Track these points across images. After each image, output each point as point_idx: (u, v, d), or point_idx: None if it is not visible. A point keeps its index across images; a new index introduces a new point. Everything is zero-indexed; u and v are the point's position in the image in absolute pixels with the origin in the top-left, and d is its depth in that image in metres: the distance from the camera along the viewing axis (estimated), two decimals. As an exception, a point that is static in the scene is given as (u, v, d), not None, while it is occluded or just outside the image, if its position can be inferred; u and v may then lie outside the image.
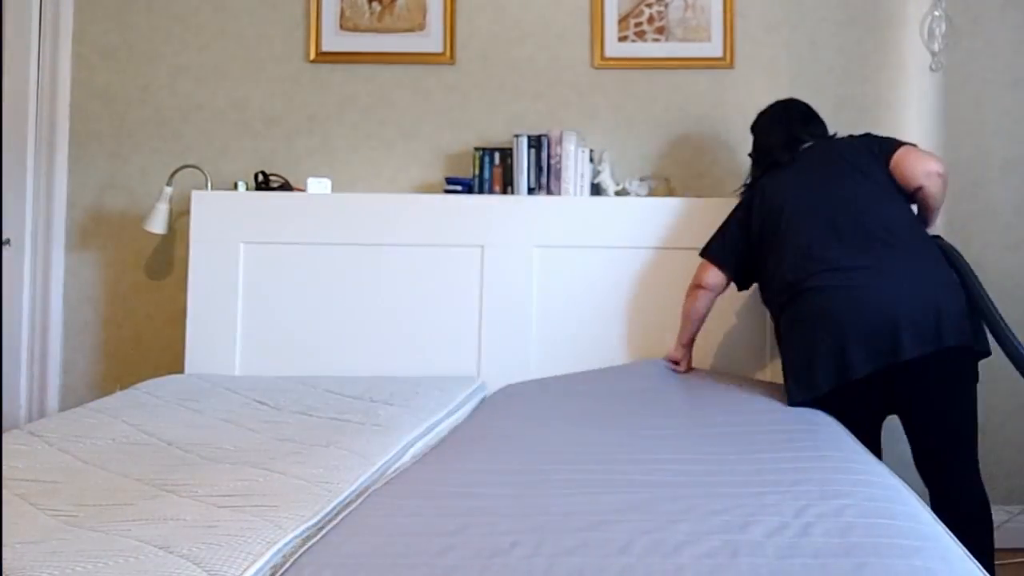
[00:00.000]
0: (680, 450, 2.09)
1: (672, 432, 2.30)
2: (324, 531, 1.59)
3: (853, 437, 2.34)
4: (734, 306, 3.42)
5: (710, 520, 1.53)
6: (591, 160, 3.58)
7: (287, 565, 1.42)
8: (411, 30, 3.75)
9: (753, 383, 3.15)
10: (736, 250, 3.08)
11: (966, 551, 1.49)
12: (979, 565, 1.44)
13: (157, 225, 3.56)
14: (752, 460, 1.97)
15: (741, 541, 1.43)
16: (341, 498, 1.82)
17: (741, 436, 2.23)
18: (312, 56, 3.75)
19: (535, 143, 3.55)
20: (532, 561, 1.35)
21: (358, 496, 1.86)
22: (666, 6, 3.73)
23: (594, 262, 3.48)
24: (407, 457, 2.32)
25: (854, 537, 1.44)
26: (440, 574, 1.33)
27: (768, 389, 3.00)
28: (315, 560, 1.42)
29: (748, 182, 3.17)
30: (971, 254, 3.64)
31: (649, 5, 3.74)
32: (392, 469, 2.15)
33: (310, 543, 1.52)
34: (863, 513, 1.56)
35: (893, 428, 3.62)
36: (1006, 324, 2.67)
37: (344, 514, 1.68)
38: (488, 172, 3.61)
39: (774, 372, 3.36)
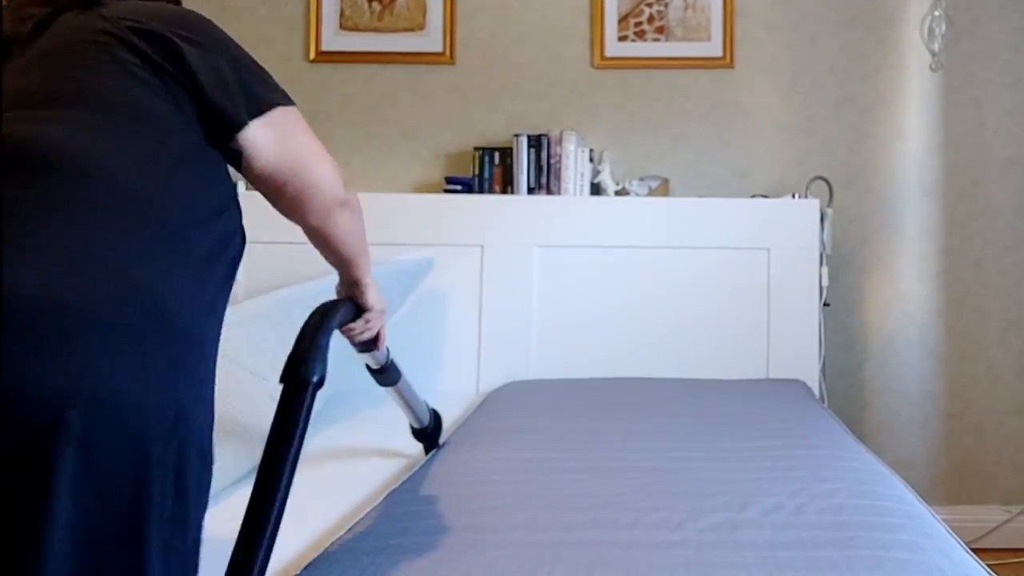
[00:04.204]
0: (680, 439, 2.28)
1: (673, 423, 2.50)
2: (349, 525, 1.74)
3: (845, 427, 2.51)
4: (734, 304, 3.58)
5: (710, 501, 1.71)
6: (591, 160, 3.72)
7: (313, 557, 1.56)
8: (411, 30, 3.90)
9: (747, 381, 3.33)
10: None
11: (950, 530, 1.66)
12: (962, 542, 1.61)
13: (157, 225, 3.69)
14: (748, 449, 2.15)
15: (740, 518, 1.61)
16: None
17: (738, 426, 2.42)
18: (312, 56, 3.90)
19: (535, 143, 3.69)
20: (547, 535, 1.53)
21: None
22: (666, 6, 3.88)
23: (594, 262, 3.59)
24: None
25: (844, 515, 1.62)
26: (460, 549, 1.50)
27: (763, 385, 3.20)
28: (341, 548, 1.57)
29: None
30: (971, 254, 3.81)
31: (649, 5, 3.88)
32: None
33: (333, 539, 1.66)
34: (853, 495, 1.74)
35: (892, 426, 3.79)
36: None
37: (365, 512, 1.82)
38: (488, 172, 3.75)
39: (774, 371, 3.51)
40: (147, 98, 1.30)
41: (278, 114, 1.42)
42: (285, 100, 1.45)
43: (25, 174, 1.15)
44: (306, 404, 1.41)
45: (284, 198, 1.46)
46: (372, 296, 1.82)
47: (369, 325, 1.87)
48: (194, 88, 1.34)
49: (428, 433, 2.37)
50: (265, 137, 1.39)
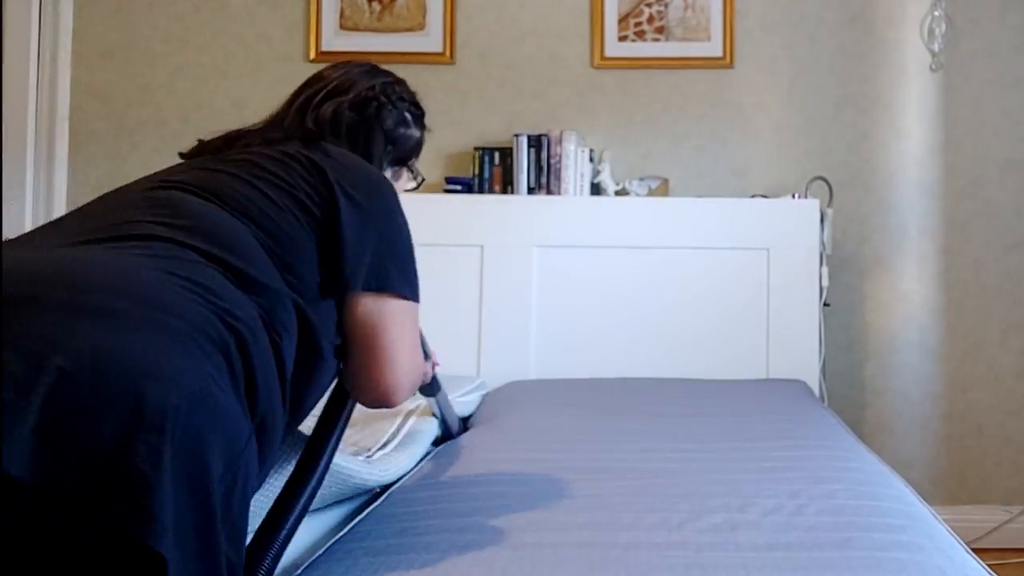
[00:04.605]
0: (680, 439, 2.28)
1: (673, 423, 2.50)
2: (349, 525, 1.74)
3: (846, 427, 2.51)
4: (734, 304, 3.57)
5: (710, 502, 1.71)
6: (591, 160, 3.73)
7: (313, 557, 1.57)
8: (411, 30, 3.90)
9: (747, 381, 3.33)
10: None
11: (951, 530, 1.66)
12: (962, 543, 1.61)
13: (157, 225, 3.70)
14: (749, 449, 2.16)
15: (740, 519, 1.61)
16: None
17: (738, 427, 2.42)
18: (312, 56, 3.89)
19: (535, 143, 3.70)
20: (546, 535, 1.53)
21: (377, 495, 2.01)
22: (666, 6, 3.88)
23: (594, 262, 3.59)
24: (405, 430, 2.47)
25: (845, 516, 1.62)
26: (460, 549, 1.50)
27: (763, 385, 3.19)
28: (341, 548, 1.57)
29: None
30: (971, 254, 3.81)
31: (649, 5, 3.88)
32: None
33: (333, 539, 1.66)
34: (853, 496, 1.74)
35: (892, 427, 3.80)
36: None
37: (365, 512, 1.82)
38: (488, 172, 3.75)
39: (774, 372, 3.50)
40: (295, 224, 1.47)
41: (392, 303, 1.54)
42: (409, 293, 1.57)
43: (181, 228, 1.35)
44: (350, 403, 1.61)
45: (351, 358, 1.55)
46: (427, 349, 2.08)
47: (427, 377, 2.16)
48: (334, 240, 1.49)
49: (455, 437, 2.54)
50: (363, 313, 1.52)
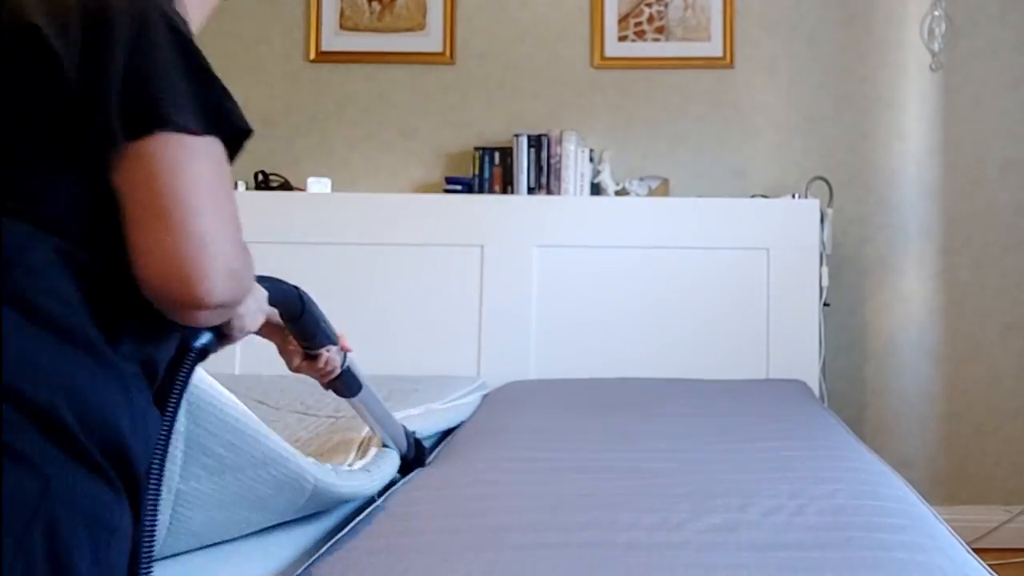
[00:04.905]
0: (680, 440, 2.28)
1: (673, 423, 2.50)
2: (349, 525, 1.73)
3: (846, 427, 2.51)
4: (734, 304, 3.57)
5: (710, 502, 1.71)
6: (591, 160, 3.73)
7: (314, 557, 1.56)
8: (411, 30, 3.90)
9: (747, 381, 3.33)
10: None
11: (951, 530, 1.66)
12: (963, 543, 1.61)
13: (156, 225, 3.68)
14: (748, 449, 2.16)
15: (740, 519, 1.61)
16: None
17: (738, 427, 2.42)
18: (312, 56, 3.89)
19: (535, 143, 3.70)
20: (546, 535, 1.53)
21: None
22: (666, 6, 3.88)
23: (594, 262, 3.59)
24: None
25: (845, 516, 1.62)
26: (460, 549, 1.49)
27: (763, 385, 3.19)
28: (341, 548, 1.57)
29: None
30: (971, 254, 3.81)
31: (649, 5, 3.88)
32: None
33: (333, 540, 1.66)
34: (854, 496, 1.74)
35: (892, 427, 3.79)
36: None
37: (365, 512, 1.82)
38: (488, 172, 3.75)
39: (774, 371, 3.50)
40: (25, 142, 1.08)
41: (163, 140, 1.07)
42: (186, 118, 1.09)
43: None
44: (184, 369, 1.21)
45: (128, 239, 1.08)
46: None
47: (331, 364, 1.75)
48: (66, 114, 1.07)
49: (408, 462, 2.12)
50: (124, 171, 1.07)
